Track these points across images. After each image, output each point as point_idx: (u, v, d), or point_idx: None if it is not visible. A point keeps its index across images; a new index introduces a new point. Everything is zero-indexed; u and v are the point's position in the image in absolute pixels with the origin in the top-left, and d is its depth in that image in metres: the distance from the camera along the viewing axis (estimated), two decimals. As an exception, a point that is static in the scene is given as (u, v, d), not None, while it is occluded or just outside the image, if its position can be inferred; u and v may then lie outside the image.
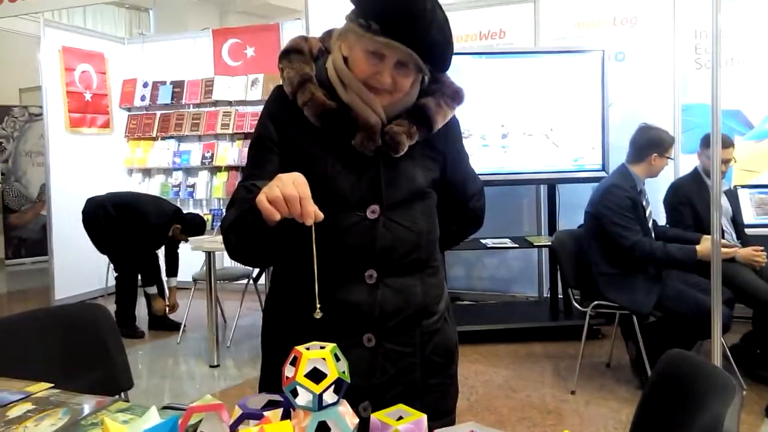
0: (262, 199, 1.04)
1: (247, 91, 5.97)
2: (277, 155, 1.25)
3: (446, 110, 1.28)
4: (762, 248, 3.42)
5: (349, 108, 1.21)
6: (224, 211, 6.11)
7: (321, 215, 1.06)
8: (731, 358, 3.31)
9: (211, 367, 3.96)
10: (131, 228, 4.43)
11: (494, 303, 5.07)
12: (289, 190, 1.03)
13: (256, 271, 4.62)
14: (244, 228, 1.15)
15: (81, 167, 5.85)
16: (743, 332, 3.51)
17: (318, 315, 1.13)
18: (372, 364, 1.22)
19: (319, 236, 1.11)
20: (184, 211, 4.71)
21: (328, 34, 1.30)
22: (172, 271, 4.78)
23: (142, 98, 6.31)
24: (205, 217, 5.10)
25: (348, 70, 1.21)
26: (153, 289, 4.63)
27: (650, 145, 3.31)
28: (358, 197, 1.21)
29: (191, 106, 6.23)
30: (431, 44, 1.15)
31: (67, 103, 5.78)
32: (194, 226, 4.52)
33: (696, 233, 3.28)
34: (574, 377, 3.38)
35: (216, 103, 6.11)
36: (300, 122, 1.23)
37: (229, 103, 6.08)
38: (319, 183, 1.16)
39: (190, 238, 4.29)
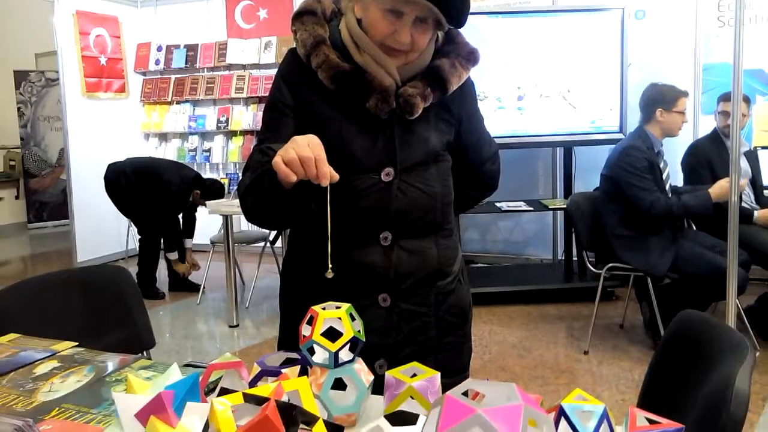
0: (278, 161, 1.05)
1: (260, 54, 5.93)
2: (292, 118, 1.25)
3: (461, 71, 1.26)
4: (781, 210, 3.39)
5: (364, 70, 1.20)
6: (240, 174, 6.15)
7: (336, 176, 1.07)
8: (746, 320, 3.32)
9: (231, 327, 4.04)
10: (153, 194, 4.50)
11: (508, 265, 5.09)
12: (305, 152, 1.04)
13: (273, 234, 4.67)
14: (261, 191, 1.15)
15: (98, 132, 5.89)
16: (759, 294, 3.51)
17: (330, 275, 1.15)
18: (387, 324, 1.24)
19: (334, 199, 1.13)
20: (202, 176, 4.75)
21: None
22: (189, 232, 4.86)
23: (157, 62, 6.30)
24: (222, 181, 5.14)
25: (362, 32, 1.20)
26: (174, 255, 4.72)
27: (652, 102, 3.27)
28: (372, 160, 1.22)
29: (205, 69, 6.21)
30: None
31: (83, 68, 5.79)
32: (213, 191, 4.58)
33: (707, 186, 3.24)
34: (587, 338, 3.41)
35: (230, 67, 6.08)
36: (314, 85, 1.22)
37: (243, 67, 6.05)
38: (334, 146, 1.17)
39: (208, 203, 4.34)
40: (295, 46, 1.26)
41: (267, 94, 6.13)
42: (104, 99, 6.03)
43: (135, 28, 6.32)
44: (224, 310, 4.29)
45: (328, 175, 1.06)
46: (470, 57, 1.28)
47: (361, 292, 1.23)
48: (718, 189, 3.06)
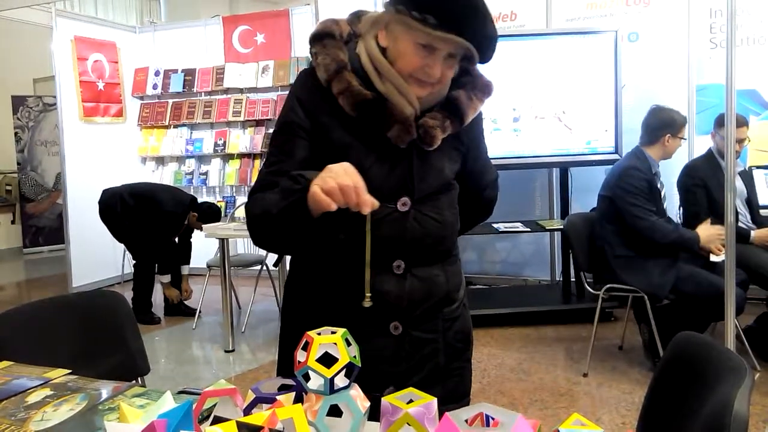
0: (317, 191, 1.04)
1: (257, 78, 5.97)
2: (308, 141, 1.22)
3: (476, 103, 1.27)
4: (777, 230, 3.40)
5: (385, 98, 1.19)
6: (237, 197, 6.16)
7: (377, 203, 1.07)
8: (745, 340, 3.30)
9: (227, 352, 4.01)
10: (148, 217, 4.49)
11: (506, 287, 5.08)
12: (345, 180, 1.03)
13: (275, 257, 4.65)
14: (290, 219, 1.13)
15: (95, 156, 5.90)
16: (757, 314, 3.49)
17: (367, 304, 1.16)
18: (398, 351, 1.24)
19: (350, 228, 1.14)
20: (199, 200, 4.75)
21: (356, 17, 1.28)
22: (185, 258, 4.85)
23: (154, 86, 6.34)
24: (219, 204, 5.14)
25: (385, 61, 1.18)
26: (167, 278, 4.70)
27: (663, 126, 3.28)
28: (389, 189, 1.21)
29: (203, 93, 6.26)
30: (488, 38, 1.15)
31: (81, 93, 5.82)
32: (210, 214, 4.57)
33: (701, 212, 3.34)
34: (587, 360, 3.39)
35: (227, 91, 6.13)
36: (332, 110, 1.20)
37: (240, 91, 6.09)
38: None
39: (204, 226, 4.34)
40: (309, 68, 1.25)
41: (264, 117, 6.09)
42: (102, 123, 6.05)
43: (133, 52, 6.37)
44: (220, 334, 4.26)
45: (370, 202, 1.05)
46: (485, 89, 1.29)
47: (373, 320, 1.22)
48: (705, 237, 3.14)
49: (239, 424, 0.74)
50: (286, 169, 1.17)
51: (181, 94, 6.29)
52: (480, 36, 1.13)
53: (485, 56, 1.18)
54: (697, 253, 3.19)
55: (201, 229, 4.43)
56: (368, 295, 1.16)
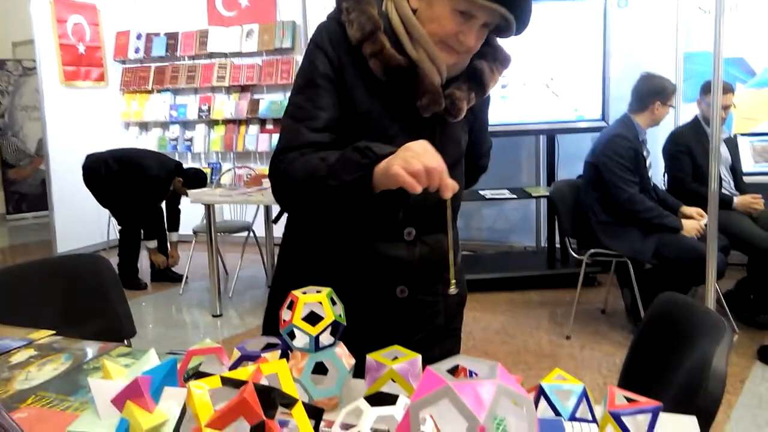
0: (401, 173, 0.97)
1: (242, 42, 5.86)
2: (336, 98, 1.16)
3: (496, 75, 1.25)
4: (760, 196, 3.44)
5: (416, 65, 1.14)
6: (222, 164, 6.10)
7: (457, 187, 1.02)
8: (725, 303, 3.37)
9: (214, 316, 4.02)
10: (133, 182, 4.44)
11: (492, 253, 5.11)
12: (431, 162, 0.98)
13: (262, 223, 4.65)
14: (347, 192, 1.06)
15: (78, 121, 5.80)
16: (737, 279, 3.56)
17: (453, 291, 1.16)
18: (402, 314, 1.25)
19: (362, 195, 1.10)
20: (184, 166, 4.71)
21: None
22: (174, 225, 4.82)
23: (136, 50, 6.21)
24: (205, 171, 5.10)
25: (419, 25, 1.13)
26: (153, 243, 4.67)
27: (653, 93, 3.28)
28: None
29: (186, 58, 6.14)
30: (527, 10, 1.12)
31: (61, 56, 5.69)
32: (196, 180, 4.53)
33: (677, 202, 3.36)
34: (570, 323, 3.44)
35: (211, 55, 6.01)
36: (359, 71, 1.15)
37: (225, 55, 5.98)
38: (376, 137, 1.11)
39: (189, 192, 4.30)
40: (327, 21, 1.19)
41: (249, 82, 5.98)
42: (83, 88, 5.94)
43: (114, 15, 6.22)
44: (207, 300, 4.27)
45: (451, 186, 1.01)
46: (505, 61, 1.26)
47: (381, 284, 1.23)
48: (689, 226, 3.17)
49: (224, 379, 0.74)
50: (319, 127, 1.13)
51: (164, 58, 6.17)
52: (520, 7, 1.10)
53: (522, 28, 1.15)
54: (694, 203, 3.27)
55: (186, 195, 4.40)
56: (453, 281, 1.14)
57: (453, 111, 1.18)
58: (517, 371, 2.98)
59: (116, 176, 4.47)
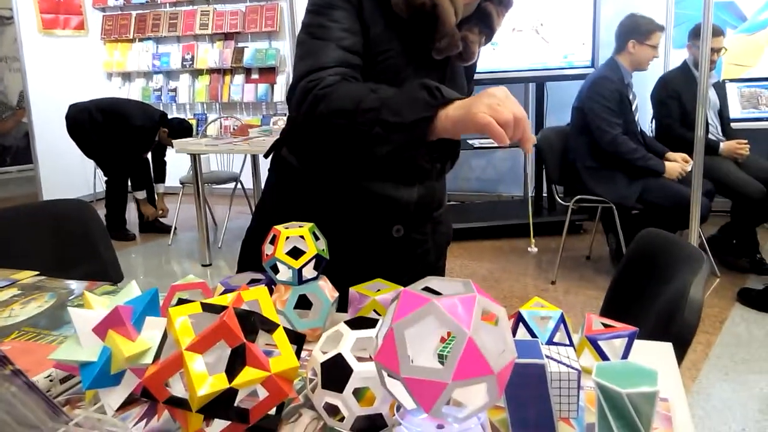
0: (488, 121, 0.89)
1: (225, -13, 5.71)
2: (359, 23, 1.10)
3: (500, 18, 1.22)
4: (746, 142, 3.45)
5: (437, 5, 1.10)
6: (208, 114, 6.01)
7: (535, 139, 0.97)
8: (707, 247, 3.41)
9: (204, 266, 4.04)
10: (117, 132, 4.38)
11: (479, 202, 5.13)
12: (520, 112, 0.92)
13: (250, 174, 4.62)
14: (402, 131, 0.98)
15: (59, 72, 5.68)
16: (721, 225, 3.60)
17: (533, 249, 1.14)
18: (397, 252, 1.27)
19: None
20: (168, 115, 4.64)
21: None
22: (160, 177, 4.78)
23: (116, -3, 6.04)
24: (190, 122, 5.03)
25: None
26: (142, 194, 4.65)
27: (627, 32, 3.26)
28: None
29: (167, 5, 5.97)
30: None
31: (38, 3, 5.52)
32: (181, 130, 4.48)
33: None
34: (555, 269, 3.49)
35: (193, 2, 5.85)
36: (380, 9, 1.11)
37: (207, 1, 5.82)
38: (384, 78, 1.09)
39: (175, 141, 4.26)
40: None
41: (233, 29, 5.84)
42: (62, 36, 5.79)
43: (91, -40, 6.02)
44: (197, 250, 4.27)
45: (532, 139, 0.95)
46: (507, 3, 1.23)
47: (379, 223, 1.23)
48: (671, 168, 3.17)
49: (204, 305, 0.74)
50: (348, 46, 1.08)
51: (145, 5, 6.01)
52: None
53: None
54: (680, 148, 3.28)
55: (172, 145, 4.35)
56: (533, 241, 1.12)
57: (466, 55, 1.16)
58: (503, 315, 3.03)
59: (101, 126, 4.41)
